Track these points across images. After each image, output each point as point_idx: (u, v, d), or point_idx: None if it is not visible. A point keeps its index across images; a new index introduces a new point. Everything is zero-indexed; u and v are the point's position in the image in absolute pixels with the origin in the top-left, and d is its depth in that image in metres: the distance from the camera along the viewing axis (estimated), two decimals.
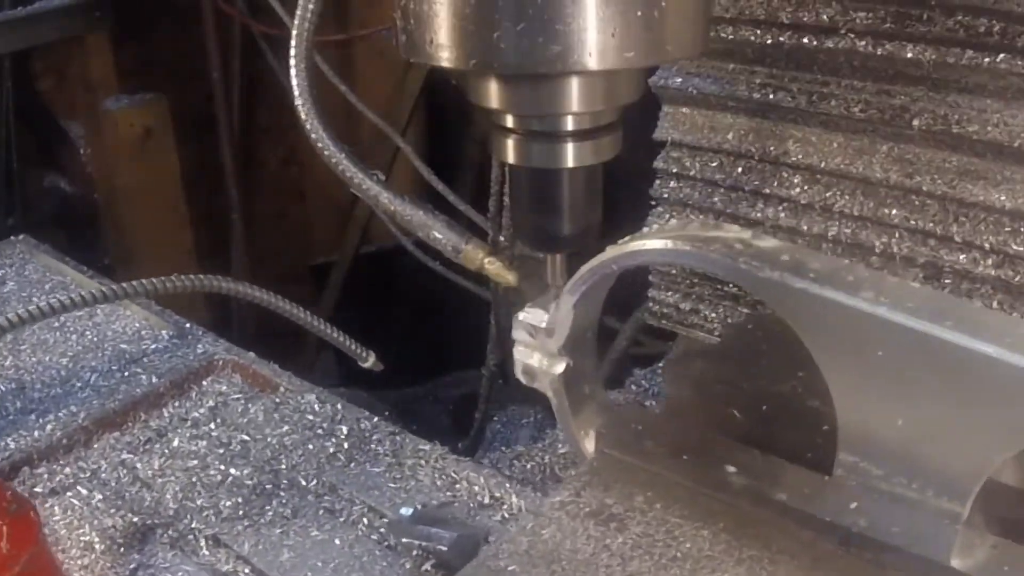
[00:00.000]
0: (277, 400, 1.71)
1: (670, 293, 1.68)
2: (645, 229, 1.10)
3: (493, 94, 0.92)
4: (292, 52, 0.96)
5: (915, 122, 1.33)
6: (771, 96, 1.44)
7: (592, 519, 0.90)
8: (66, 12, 3.23)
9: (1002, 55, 1.22)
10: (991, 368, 0.69)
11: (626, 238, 0.97)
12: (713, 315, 1.64)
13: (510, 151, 0.96)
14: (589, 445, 1.03)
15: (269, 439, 1.62)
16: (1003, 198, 1.29)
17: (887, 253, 1.40)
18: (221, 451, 1.59)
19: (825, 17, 1.33)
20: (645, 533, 0.88)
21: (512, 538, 0.91)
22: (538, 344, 0.98)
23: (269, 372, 1.76)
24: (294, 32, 0.96)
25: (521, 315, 1.01)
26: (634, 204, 1.66)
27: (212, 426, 1.65)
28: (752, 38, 1.42)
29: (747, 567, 0.83)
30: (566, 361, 0.99)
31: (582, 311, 0.99)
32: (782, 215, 1.49)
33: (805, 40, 1.37)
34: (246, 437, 1.62)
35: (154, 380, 1.74)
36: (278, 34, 3.26)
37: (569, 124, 0.92)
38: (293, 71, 0.94)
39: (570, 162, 0.94)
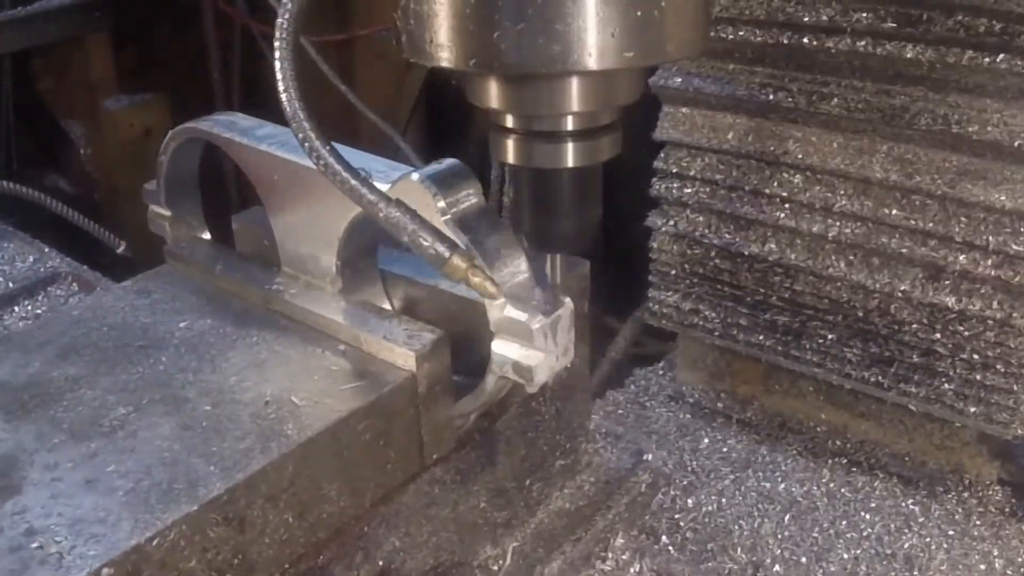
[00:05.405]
0: None
1: (670, 293, 1.68)
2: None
3: (493, 94, 0.92)
4: (276, 42, 0.90)
5: (915, 122, 1.33)
6: (771, 96, 1.44)
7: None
8: (66, 12, 3.23)
9: (1002, 55, 1.22)
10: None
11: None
12: (713, 315, 1.64)
13: (510, 151, 0.96)
14: None
15: None
16: (1003, 198, 1.29)
17: (887, 253, 1.40)
18: None
19: (825, 17, 1.33)
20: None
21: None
22: None
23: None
24: (278, 21, 0.91)
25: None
26: (635, 204, 1.66)
27: None
28: (752, 38, 1.41)
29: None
30: None
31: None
32: (782, 215, 1.49)
33: (805, 40, 1.37)
34: None
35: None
36: None
37: (569, 124, 0.92)
38: (277, 64, 0.88)
39: (570, 162, 0.94)
